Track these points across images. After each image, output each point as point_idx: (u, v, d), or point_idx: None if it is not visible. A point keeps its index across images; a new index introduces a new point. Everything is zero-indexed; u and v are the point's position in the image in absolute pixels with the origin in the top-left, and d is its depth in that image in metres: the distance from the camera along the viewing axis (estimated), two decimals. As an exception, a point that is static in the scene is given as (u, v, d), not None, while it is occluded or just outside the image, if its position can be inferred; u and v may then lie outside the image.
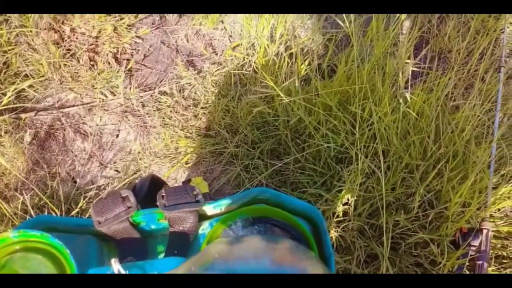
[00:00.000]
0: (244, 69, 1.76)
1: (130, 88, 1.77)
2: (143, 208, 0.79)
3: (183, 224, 0.76)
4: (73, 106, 1.73)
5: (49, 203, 1.38)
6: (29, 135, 1.63)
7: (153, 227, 0.77)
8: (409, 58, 1.59)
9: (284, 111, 1.53)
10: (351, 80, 1.44)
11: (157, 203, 0.75)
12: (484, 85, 1.60)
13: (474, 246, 1.28)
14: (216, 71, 1.81)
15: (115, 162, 1.63)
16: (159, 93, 1.78)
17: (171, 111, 1.72)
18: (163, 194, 0.75)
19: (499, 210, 1.40)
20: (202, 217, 0.78)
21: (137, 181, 0.91)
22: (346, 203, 1.37)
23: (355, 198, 1.33)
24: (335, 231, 1.34)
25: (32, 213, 1.37)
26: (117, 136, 1.69)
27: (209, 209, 0.78)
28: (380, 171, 1.27)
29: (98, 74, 1.77)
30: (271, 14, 1.77)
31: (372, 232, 1.34)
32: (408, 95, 1.38)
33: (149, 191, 0.85)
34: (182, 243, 0.75)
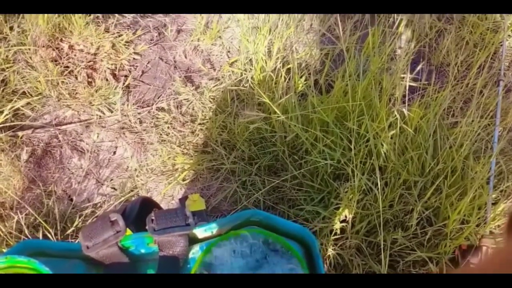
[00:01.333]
0: (242, 84, 1.76)
1: (127, 105, 1.77)
2: (135, 231, 0.78)
3: (173, 248, 0.75)
4: (71, 123, 1.73)
5: (43, 223, 1.37)
6: (26, 153, 1.62)
7: (142, 251, 0.76)
8: (406, 73, 1.59)
9: (281, 127, 1.52)
10: (348, 96, 1.43)
11: (147, 227, 0.74)
12: (483, 99, 1.59)
13: (474, 263, 1.26)
14: (214, 87, 1.81)
15: (111, 180, 1.62)
16: (156, 109, 1.77)
17: (168, 127, 1.72)
18: (153, 218, 0.74)
19: (498, 226, 1.38)
20: (193, 240, 0.77)
21: (128, 203, 0.90)
22: (343, 221, 1.36)
23: (352, 215, 1.31)
24: (332, 249, 1.32)
25: (27, 232, 1.36)
26: (114, 153, 1.68)
27: (200, 232, 0.77)
28: (377, 188, 1.25)
29: (96, 91, 1.77)
30: (268, 29, 1.77)
31: (370, 250, 1.32)
32: (405, 111, 1.37)
33: (139, 214, 0.84)
34: (172, 268, 0.74)
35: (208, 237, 0.78)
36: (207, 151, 1.65)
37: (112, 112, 1.76)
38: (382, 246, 1.23)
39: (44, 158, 1.65)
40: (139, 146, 1.69)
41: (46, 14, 1.77)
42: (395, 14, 1.76)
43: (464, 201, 1.25)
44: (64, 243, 0.76)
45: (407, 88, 1.46)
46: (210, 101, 1.76)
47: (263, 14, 1.85)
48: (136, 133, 1.72)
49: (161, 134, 1.70)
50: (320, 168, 1.41)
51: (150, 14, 2.02)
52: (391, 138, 1.35)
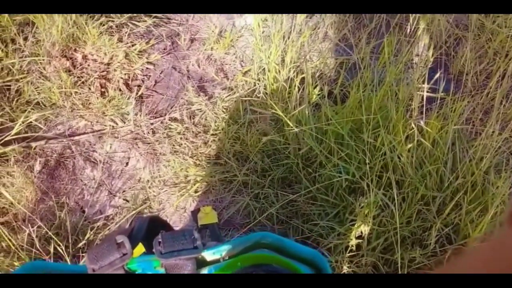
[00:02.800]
0: (255, 94, 1.74)
1: (140, 115, 1.76)
2: (145, 247, 0.76)
3: (180, 272, 0.73)
4: (84, 133, 1.73)
5: (54, 237, 1.36)
6: (39, 164, 1.62)
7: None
8: (423, 82, 1.54)
9: (295, 139, 1.50)
10: (363, 107, 1.40)
11: (154, 250, 0.72)
12: (504, 109, 1.54)
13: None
14: (227, 96, 1.79)
15: (124, 191, 1.61)
16: (169, 120, 1.76)
17: (181, 138, 1.70)
18: (160, 240, 0.72)
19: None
20: (202, 263, 0.75)
21: (136, 220, 0.88)
22: (359, 237, 1.32)
23: (368, 231, 1.28)
24: (347, 267, 1.29)
25: (38, 245, 1.35)
26: (127, 164, 1.67)
27: (209, 255, 0.75)
28: (394, 204, 1.21)
29: (109, 101, 1.77)
30: (281, 38, 1.74)
31: (386, 268, 1.28)
32: (422, 123, 1.33)
33: (147, 234, 0.82)
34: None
35: (217, 260, 0.75)
36: (219, 163, 1.63)
37: (125, 122, 1.75)
38: (399, 265, 1.19)
39: (57, 169, 1.64)
40: (151, 157, 1.68)
41: (60, 24, 1.78)
42: (411, 22, 1.72)
43: (485, 218, 1.20)
44: (70, 266, 0.74)
45: (425, 98, 1.42)
46: (223, 111, 1.75)
47: (277, 23, 1.83)
48: (149, 143, 1.70)
49: (173, 145, 1.69)
50: (335, 182, 1.38)
51: (164, 23, 2.01)
52: (408, 151, 1.31)
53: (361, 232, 1.29)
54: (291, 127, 1.37)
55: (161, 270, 0.73)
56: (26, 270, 0.71)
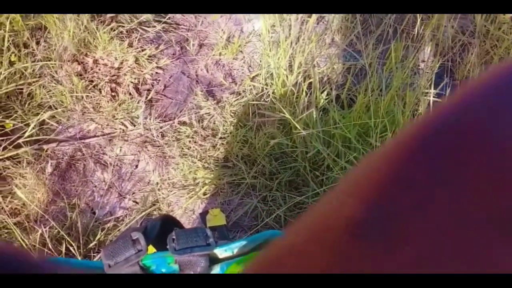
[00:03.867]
0: (263, 99, 1.76)
1: (150, 119, 1.79)
2: (156, 248, 0.79)
3: (193, 268, 0.75)
4: (94, 136, 1.76)
5: (66, 236, 1.39)
6: (51, 166, 1.65)
7: (163, 270, 0.76)
8: (430, 88, 1.56)
9: (303, 142, 1.52)
10: (370, 111, 1.42)
11: (168, 247, 0.74)
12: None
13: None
14: (235, 101, 1.81)
15: (133, 193, 1.63)
16: (178, 123, 1.79)
17: (190, 141, 1.73)
18: (173, 237, 0.75)
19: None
20: (214, 261, 0.77)
21: (149, 219, 0.91)
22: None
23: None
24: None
25: (50, 245, 1.38)
26: (136, 166, 1.70)
27: (221, 252, 0.77)
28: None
29: (119, 104, 1.80)
30: (289, 44, 1.77)
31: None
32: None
33: (161, 232, 0.84)
34: (192, 288, 0.73)
35: (229, 257, 0.78)
36: (228, 166, 1.65)
37: (134, 126, 1.78)
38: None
39: (68, 171, 1.67)
40: (160, 160, 1.70)
41: (72, 29, 1.81)
42: (418, 28, 1.75)
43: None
44: (86, 262, 0.76)
45: (431, 103, 1.44)
46: (231, 115, 1.77)
47: (285, 28, 1.85)
48: (158, 146, 1.73)
49: (182, 148, 1.71)
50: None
51: (173, 29, 2.05)
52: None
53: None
54: (299, 130, 1.39)
55: (175, 267, 0.75)
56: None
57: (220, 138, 1.72)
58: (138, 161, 1.71)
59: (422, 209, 0.17)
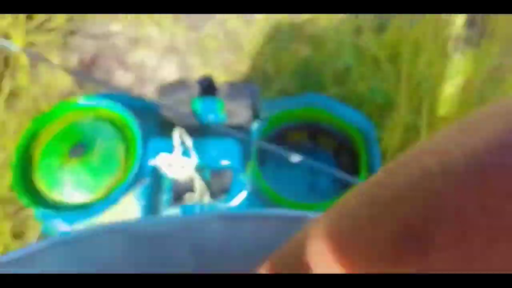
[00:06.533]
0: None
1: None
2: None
3: (238, 117, 0.79)
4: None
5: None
6: (76, 59, 1.67)
7: (211, 117, 0.79)
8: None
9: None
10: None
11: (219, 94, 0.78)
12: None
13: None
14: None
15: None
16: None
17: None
18: (225, 87, 0.79)
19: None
20: (256, 115, 0.82)
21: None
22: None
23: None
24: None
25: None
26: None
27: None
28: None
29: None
30: None
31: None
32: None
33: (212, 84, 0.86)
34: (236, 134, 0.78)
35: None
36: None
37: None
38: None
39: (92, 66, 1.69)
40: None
41: None
42: None
43: None
44: (142, 101, 0.80)
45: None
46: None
47: None
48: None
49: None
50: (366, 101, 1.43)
51: None
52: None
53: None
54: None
55: (222, 115, 0.78)
56: (102, 96, 0.78)
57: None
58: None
59: None
